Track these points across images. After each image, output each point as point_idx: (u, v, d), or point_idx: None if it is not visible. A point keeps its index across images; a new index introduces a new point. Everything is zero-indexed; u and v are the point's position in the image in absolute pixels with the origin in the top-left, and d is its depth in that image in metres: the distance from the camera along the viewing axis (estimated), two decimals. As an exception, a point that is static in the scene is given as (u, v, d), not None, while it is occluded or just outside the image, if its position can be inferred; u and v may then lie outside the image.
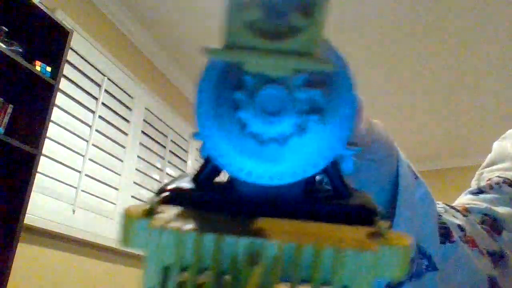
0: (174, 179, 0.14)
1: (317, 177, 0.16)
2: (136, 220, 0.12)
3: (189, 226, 0.11)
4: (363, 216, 0.12)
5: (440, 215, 0.37)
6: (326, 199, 0.13)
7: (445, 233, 0.36)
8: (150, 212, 0.12)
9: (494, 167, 0.54)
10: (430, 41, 2.62)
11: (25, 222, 1.62)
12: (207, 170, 0.14)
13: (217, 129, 0.12)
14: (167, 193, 0.13)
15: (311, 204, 0.12)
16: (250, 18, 0.10)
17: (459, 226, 0.40)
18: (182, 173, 0.15)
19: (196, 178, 0.14)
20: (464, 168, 4.17)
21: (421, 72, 2.92)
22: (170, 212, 0.12)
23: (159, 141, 2.82)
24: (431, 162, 4.33)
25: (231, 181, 0.13)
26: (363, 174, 0.30)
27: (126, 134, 2.50)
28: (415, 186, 0.34)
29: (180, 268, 0.11)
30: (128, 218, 0.12)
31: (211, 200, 0.12)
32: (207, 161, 0.14)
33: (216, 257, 0.10)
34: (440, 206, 0.43)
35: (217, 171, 0.14)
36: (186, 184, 0.14)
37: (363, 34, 2.60)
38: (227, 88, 0.12)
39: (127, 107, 2.54)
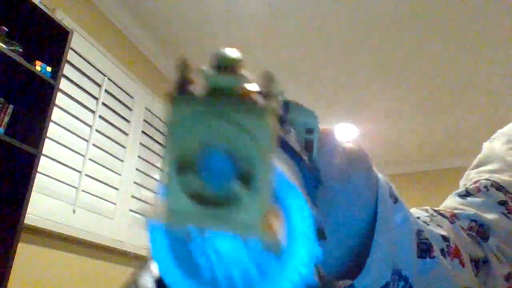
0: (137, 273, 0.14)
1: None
2: None
3: None
4: None
5: (422, 231, 0.37)
6: None
7: (425, 249, 0.36)
8: None
9: (482, 168, 0.53)
10: (429, 42, 2.61)
11: (25, 222, 1.62)
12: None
13: (180, 276, 0.12)
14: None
15: None
16: (189, 184, 0.09)
17: (443, 236, 0.40)
18: (141, 271, 0.14)
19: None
20: (463, 168, 4.17)
21: (421, 73, 2.92)
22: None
23: (159, 141, 2.82)
24: (431, 162, 4.33)
25: None
26: (342, 200, 0.30)
27: (126, 134, 2.50)
28: (394, 211, 0.34)
29: None
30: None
31: None
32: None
33: None
34: (426, 214, 0.43)
35: None
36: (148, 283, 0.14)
37: (363, 36, 2.60)
38: (178, 239, 0.12)
39: (127, 107, 2.54)
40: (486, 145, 0.56)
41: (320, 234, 0.15)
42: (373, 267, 0.30)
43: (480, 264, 0.42)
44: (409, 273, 0.34)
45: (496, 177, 0.50)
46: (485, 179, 0.50)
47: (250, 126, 0.09)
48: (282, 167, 0.12)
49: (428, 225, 0.41)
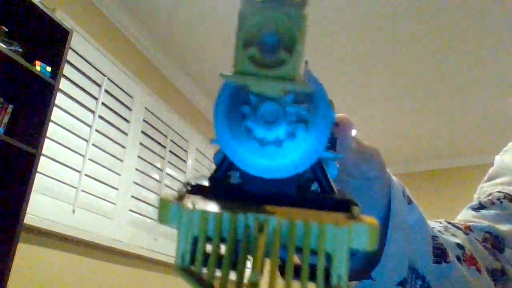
0: (194, 178, 0.18)
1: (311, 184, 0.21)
2: (170, 203, 0.16)
3: (212, 207, 0.15)
4: (342, 205, 0.17)
5: (436, 237, 0.38)
6: (314, 194, 0.18)
7: (440, 254, 0.37)
8: (180, 197, 0.16)
9: (495, 181, 0.54)
10: (429, 42, 2.62)
11: (25, 222, 1.62)
12: (220, 172, 0.18)
13: (230, 135, 0.17)
14: (188, 188, 0.17)
15: (302, 196, 0.17)
16: (251, 53, 0.15)
17: (458, 244, 0.41)
18: (199, 175, 0.20)
19: (211, 178, 0.18)
20: (463, 168, 4.17)
21: (422, 73, 2.92)
22: (195, 199, 0.16)
23: (159, 141, 2.82)
24: (431, 162, 4.34)
25: (240, 179, 0.18)
26: (355, 192, 0.31)
27: (126, 134, 2.50)
28: (408, 211, 0.35)
29: (205, 238, 0.15)
30: (164, 202, 0.16)
31: (225, 193, 0.17)
32: (219, 165, 0.19)
33: (232, 226, 0.15)
34: (440, 225, 0.44)
35: (227, 173, 0.19)
36: (204, 181, 0.18)
37: (363, 35, 2.60)
38: (237, 104, 0.17)
39: (127, 107, 2.55)
40: (497, 158, 0.57)
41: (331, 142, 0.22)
42: (389, 260, 0.31)
43: (498, 275, 0.42)
44: (426, 273, 0.35)
45: (509, 189, 0.50)
46: (498, 191, 0.50)
47: (293, 15, 0.14)
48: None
49: (442, 234, 0.41)
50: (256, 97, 0.16)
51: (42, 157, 1.74)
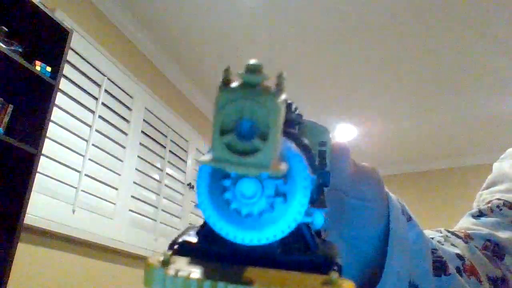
0: (184, 231, 0.20)
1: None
2: (155, 269, 0.17)
3: (194, 273, 0.16)
4: (322, 266, 0.18)
5: (436, 250, 0.38)
6: (297, 253, 0.19)
7: (440, 267, 0.37)
8: (165, 263, 0.17)
9: (493, 188, 0.54)
10: (429, 42, 2.62)
11: (25, 222, 1.62)
12: (207, 228, 0.19)
13: (211, 205, 0.18)
14: (176, 246, 0.19)
15: (284, 256, 0.18)
16: (227, 141, 0.15)
17: (457, 255, 0.41)
18: (189, 225, 0.21)
19: (199, 232, 0.19)
20: (463, 169, 4.17)
21: (422, 73, 2.92)
22: (180, 262, 0.17)
23: (159, 141, 2.82)
24: (430, 162, 4.33)
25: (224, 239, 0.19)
26: (354, 213, 0.31)
27: (126, 134, 2.50)
28: (408, 228, 0.35)
29: None
30: (149, 267, 0.17)
31: (210, 252, 0.18)
32: (205, 223, 0.19)
33: None
34: (440, 234, 0.44)
35: (212, 237, 0.19)
36: (192, 237, 0.19)
37: (363, 36, 2.60)
38: (217, 176, 0.17)
39: (127, 107, 2.55)
40: (496, 166, 0.57)
41: (319, 200, 0.23)
42: (390, 278, 0.31)
43: (499, 283, 0.42)
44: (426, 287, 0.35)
45: (508, 196, 0.50)
46: (497, 199, 0.50)
47: (266, 104, 0.15)
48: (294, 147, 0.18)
49: (442, 244, 0.41)
50: (235, 174, 0.17)
51: (42, 157, 1.74)
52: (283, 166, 0.16)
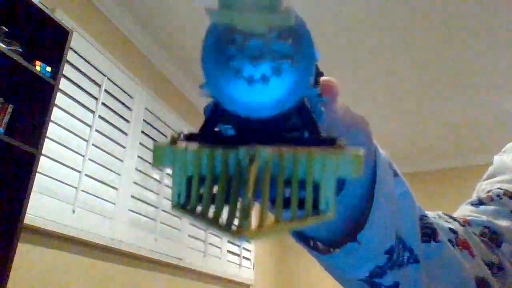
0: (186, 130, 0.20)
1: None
2: (163, 147, 0.16)
3: (203, 146, 0.16)
4: (327, 141, 0.17)
5: (426, 216, 0.38)
6: (301, 135, 0.19)
7: (430, 233, 0.37)
8: (173, 142, 0.17)
9: (494, 179, 0.54)
10: (429, 41, 2.62)
11: (25, 222, 1.62)
12: (210, 123, 0.19)
13: (218, 77, 0.17)
14: (182, 136, 0.18)
15: (288, 138, 0.18)
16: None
17: (451, 229, 0.41)
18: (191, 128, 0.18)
19: (202, 128, 0.19)
20: (463, 168, 4.17)
21: (422, 74, 2.92)
22: (187, 143, 0.17)
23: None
24: (430, 162, 4.34)
25: (231, 129, 0.19)
26: None
27: (126, 134, 2.50)
28: (395, 183, 0.34)
29: (199, 177, 0.16)
30: (158, 145, 0.17)
31: (216, 139, 0.18)
32: (209, 117, 0.19)
33: (224, 163, 0.16)
34: (434, 213, 0.44)
35: (217, 126, 0.19)
36: (195, 131, 0.19)
37: (362, 34, 2.60)
38: (222, 45, 0.17)
39: (127, 107, 2.54)
40: (496, 158, 0.57)
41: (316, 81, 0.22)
42: (375, 225, 0.31)
43: (495, 270, 0.42)
44: (414, 246, 0.34)
45: (509, 186, 0.50)
46: (497, 188, 0.50)
47: None
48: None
49: (436, 220, 0.41)
50: (241, 35, 0.16)
51: (42, 157, 1.74)
52: (292, 12, 0.15)
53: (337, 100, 0.28)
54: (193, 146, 0.16)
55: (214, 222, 0.15)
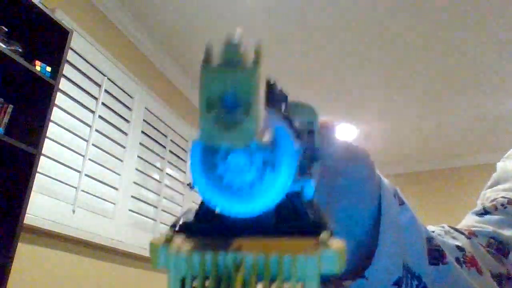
0: (184, 212, 0.21)
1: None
2: (158, 248, 0.18)
3: (195, 248, 0.17)
4: (313, 230, 0.18)
5: (432, 238, 0.38)
6: (289, 220, 0.20)
7: (437, 256, 0.37)
8: (167, 241, 0.18)
9: (498, 187, 0.54)
10: (429, 41, 2.62)
11: (25, 222, 1.62)
12: (204, 207, 0.20)
13: (204, 182, 0.18)
14: (177, 227, 0.19)
15: (278, 224, 0.19)
16: (213, 115, 0.16)
17: (457, 246, 0.41)
18: (189, 207, 0.22)
19: (197, 214, 0.20)
20: (463, 169, 4.17)
21: (422, 74, 2.92)
22: (180, 239, 0.18)
23: (159, 141, 2.82)
24: (431, 162, 4.34)
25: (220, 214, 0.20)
26: (346, 194, 0.31)
27: (126, 134, 2.50)
28: (400, 211, 0.35)
29: (192, 277, 0.17)
30: (153, 246, 0.18)
31: (207, 229, 0.19)
32: (198, 212, 0.20)
33: (213, 267, 0.17)
34: (440, 228, 0.44)
35: (204, 218, 0.21)
36: (190, 217, 0.20)
37: (363, 35, 2.60)
38: (208, 154, 0.18)
39: (127, 107, 2.55)
40: (500, 165, 0.57)
41: (308, 172, 0.23)
42: (382, 259, 0.31)
43: (504, 280, 0.42)
44: (422, 273, 0.35)
45: None
46: (501, 197, 0.50)
47: (247, 77, 0.16)
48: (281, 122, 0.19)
49: (442, 237, 0.41)
50: (224, 148, 0.18)
51: (42, 157, 1.74)
52: (267, 136, 0.17)
53: (335, 134, 0.29)
54: (185, 245, 0.18)
55: None
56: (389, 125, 3.67)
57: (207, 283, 0.17)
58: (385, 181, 0.34)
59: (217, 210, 0.19)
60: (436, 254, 0.37)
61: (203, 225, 0.20)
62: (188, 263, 0.17)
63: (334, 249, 0.16)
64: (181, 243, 0.18)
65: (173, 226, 0.20)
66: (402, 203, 0.35)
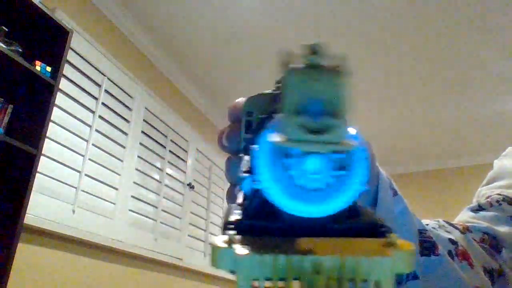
0: (229, 211, 0.21)
1: None
2: (222, 250, 0.17)
3: (261, 249, 0.17)
4: (376, 231, 0.19)
5: (425, 230, 0.38)
6: (347, 221, 0.20)
7: (429, 247, 0.38)
8: (230, 242, 0.18)
9: (493, 184, 0.54)
10: (429, 41, 2.62)
11: (25, 222, 1.62)
12: (255, 204, 0.20)
13: (273, 183, 0.18)
14: (233, 226, 0.19)
15: (336, 225, 0.19)
16: (301, 121, 0.16)
17: (450, 240, 0.41)
18: (231, 205, 0.21)
19: (245, 211, 0.20)
20: (463, 169, 4.17)
21: (421, 74, 2.92)
22: (240, 240, 0.18)
23: (159, 141, 2.82)
24: (430, 162, 4.34)
25: (277, 212, 0.19)
26: None
27: (126, 134, 2.50)
28: (394, 202, 0.36)
29: (264, 280, 0.17)
30: (217, 249, 0.17)
31: (264, 228, 0.19)
32: (253, 196, 0.20)
33: (289, 270, 0.17)
34: (435, 222, 0.45)
35: (262, 204, 0.20)
36: (242, 216, 0.20)
37: (363, 33, 2.60)
38: (279, 156, 0.18)
39: (127, 107, 2.55)
40: (496, 163, 0.57)
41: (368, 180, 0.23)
42: None
43: (495, 275, 0.42)
44: None
45: (508, 192, 0.51)
46: (497, 194, 0.51)
47: (334, 83, 0.16)
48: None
49: (436, 230, 0.42)
50: (299, 151, 0.18)
51: (42, 157, 1.74)
52: (353, 141, 0.17)
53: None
54: (253, 249, 0.17)
55: None
56: (389, 125, 3.67)
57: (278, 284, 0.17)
58: (383, 172, 0.35)
59: (285, 211, 0.18)
60: (428, 245, 0.37)
61: (259, 225, 0.19)
62: (261, 264, 0.17)
63: (407, 250, 0.17)
64: (243, 243, 0.18)
65: (226, 226, 0.19)
66: (395, 194, 0.36)
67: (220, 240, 0.18)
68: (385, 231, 0.19)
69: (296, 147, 0.16)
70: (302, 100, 0.16)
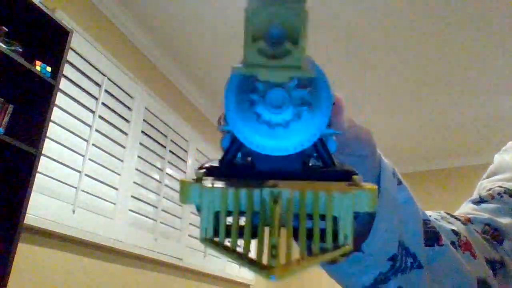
0: (206, 161, 0.21)
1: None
2: (191, 184, 0.18)
3: (229, 185, 0.17)
4: (343, 176, 0.19)
5: (428, 220, 0.38)
6: (317, 167, 0.20)
7: (433, 237, 0.38)
8: (198, 179, 0.18)
9: (495, 177, 0.55)
10: (428, 41, 2.62)
11: (25, 222, 1.62)
12: (229, 155, 0.20)
13: (240, 121, 0.18)
14: (204, 170, 0.19)
15: (307, 170, 0.20)
16: (259, 46, 0.16)
17: (453, 230, 0.41)
18: (210, 158, 0.20)
19: (222, 161, 0.20)
20: (463, 169, 4.17)
21: (421, 74, 2.92)
22: (210, 179, 0.18)
23: (159, 141, 2.82)
24: (430, 162, 4.34)
25: (249, 160, 0.20)
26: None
27: (126, 134, 2.50)
28: (398, 190, 0.36)
29: (226, 212, 0.17)
30: (185, 183, 0.18)
31: (237, 172, 0.19)
32: (228, 149, 0.21)
33: (249, 201, 0.17)
34: (437, 213, 0.45)
35: (235, 156, 0.21)
36: (216, 164, 0.20)
37: (361, 33, 2.60)
38: (244, 92, 0.18)
39: (127, 107, 2.55)
40: (497, 157, 0.58)
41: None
42: (379, 234, 0.32)
43: (497, 266, 0.43)
44: (417, 252, 0.35)
45: (509, 185, 0.51)
46: (498, 186, 0.51)
47: (295, 9, 0.16)
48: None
49: (439, 221, 0.42)
50: (263, 84, 0.18)
51: (42, 157, 1.74)
52: (312, 69, 0.17)
53: (344, 113, 0.29)
54: (219, 184, 0.18)
55: (243, 257, 0.16)
56: (389, 124, 3.67)
57: (241, 219, 0.17)
58: (385, 160, 0.35)
59: (250, 149, 0.19)
60: (432, 235, 0.37)
61: (231, 169, 0.20)
62: (224, 197, 0.17)
63: (368, 189, 0.17)
64: (212, 181, 0.18)
65: (200, 168, 0.20)
66: (400, 182, 0.36)
67: (188, 179, 0.18)
68: (351, 174, 0.19)
69: (256, 73, 0.16)
70: (262, 26, 0.16)
